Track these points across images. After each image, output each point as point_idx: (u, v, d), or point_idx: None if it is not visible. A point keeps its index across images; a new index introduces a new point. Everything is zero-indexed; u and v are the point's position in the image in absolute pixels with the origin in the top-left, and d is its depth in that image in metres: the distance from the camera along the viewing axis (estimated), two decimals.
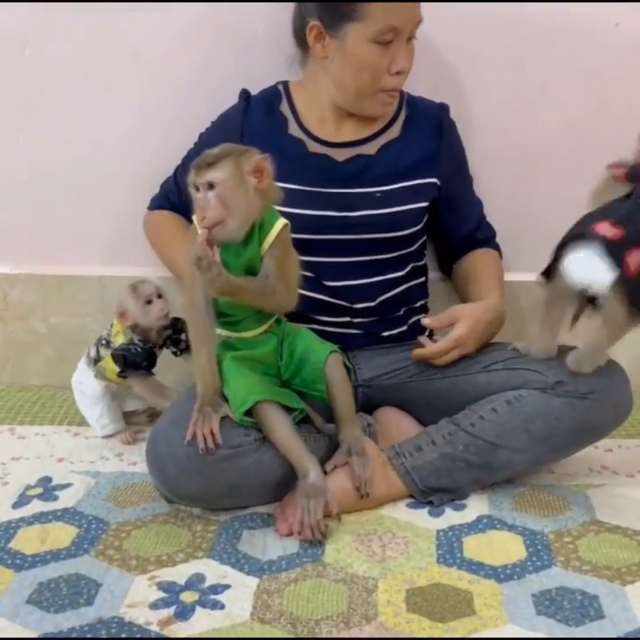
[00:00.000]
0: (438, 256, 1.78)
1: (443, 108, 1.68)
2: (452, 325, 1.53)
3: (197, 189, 1.32)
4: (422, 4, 1.51)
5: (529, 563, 1.28)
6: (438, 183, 1.63)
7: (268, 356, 1.43)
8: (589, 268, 1.31)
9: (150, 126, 1.79)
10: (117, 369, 1.58)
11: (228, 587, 1.22)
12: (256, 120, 1.62)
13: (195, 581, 1.23)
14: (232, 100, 1.66)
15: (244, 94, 1.66)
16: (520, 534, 1.35)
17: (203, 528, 1.36)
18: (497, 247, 1.74)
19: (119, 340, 1.59)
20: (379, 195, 1.58)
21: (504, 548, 1.32)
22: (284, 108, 1.63)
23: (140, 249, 1.79)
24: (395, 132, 1.63)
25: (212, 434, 1.33)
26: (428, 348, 1.54)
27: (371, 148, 1.61)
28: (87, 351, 1.65)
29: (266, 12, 1.70)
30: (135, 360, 1.57)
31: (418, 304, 1.70)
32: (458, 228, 1.71)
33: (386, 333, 1.64)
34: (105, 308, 1.86)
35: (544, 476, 1.53)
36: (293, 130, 1.61)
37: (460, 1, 1.70)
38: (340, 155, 1.60)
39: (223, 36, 1.74)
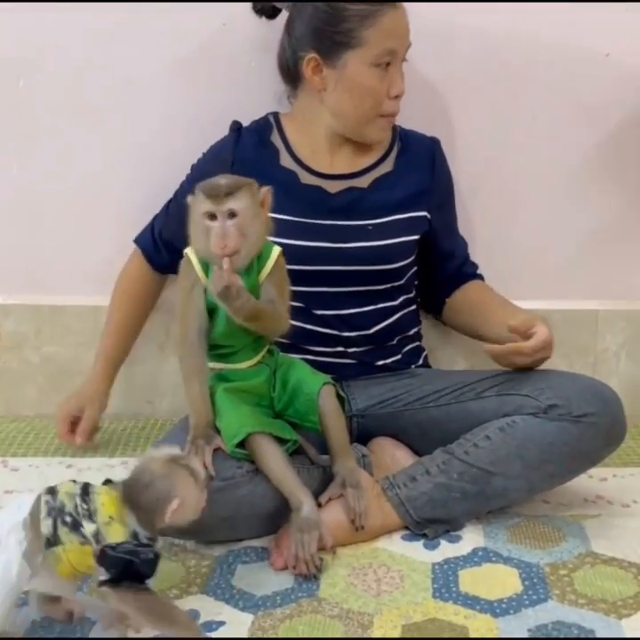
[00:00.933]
0: (424, 294, 1.75)
1: (434, 142, 1.69)
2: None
3: (213, 218, 1.32)
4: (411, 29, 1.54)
5: (525, 596, 1.27)
6: (429, 217, 1.64)
7: (260, 387, 1.43)
8: None
9: (144, 156, 1.80)
10: (103, 575, 1.08)
11: (222, 623, 1.21)
12: (247, 151, 1.63)
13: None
14: (223, 131, 1.67)
15: (235, 126, 1.67)
16: (516, 567, 1.34)
17: (197, 563, 1.35)
18: (483, 280, 1.75)
19: (114, 534, 1.08)
20: (371, 228, 1.58)
21: (500, 581, 1.31)
22: (276, 139, 1.64)
23: None
24: (388, 165, 1.64)
25: (205, 466, 1.32)
26: (522, 343, 1.46)
27: (363, 182, 1.62)
28: (25, 520, 1.08)
29: (258, 45, 1.71)
30: (143, 571, 1.10)
31: (411, 332, 1.70)
32: (447, 262, 1.71)
33: (380, 362, 1.65)
34: (99, 338, 1.86)
35: (539, 505, 1.52)
36: (285, 161, 1.62)
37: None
38: (333, 187, 1.61)
39: (214, 69, 1.76)
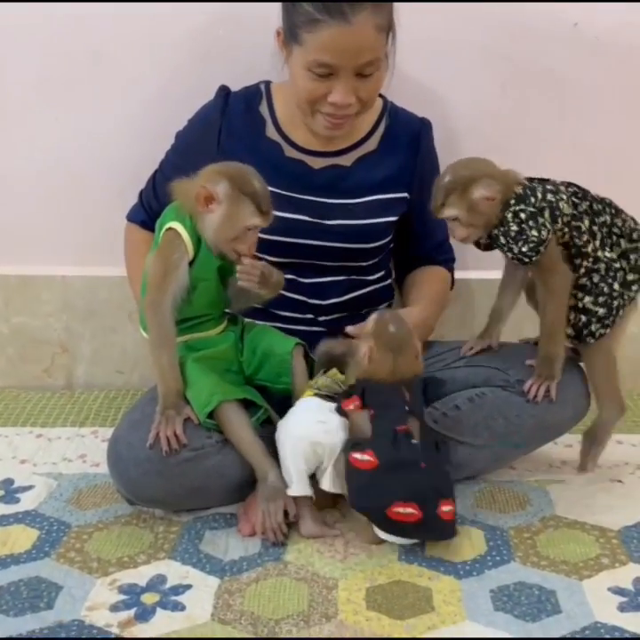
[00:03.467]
0: (395, 266, 1.76)
1: (423, 123, 1.66)
2: None
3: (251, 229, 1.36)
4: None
5: (488, 558, 1.30)
6: (408, 197, 1.63)
7: (228, 352, 1.45)
8: None
9: (114, 129, 1.78)
10: None
11: (189, 587, 1.23)
12: (235, 118, 1.60)
13: (156, 583, 1.24)
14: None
15: (223, 91, 1.63)
16: (481, 530, 1.37)
17: (165, 529, 1.37)
18: (451, 270, 1.73)
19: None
20: (351, 207, 1.58)
21: (465, 544, 1.33)
22: (263, 108, 1.62)
23: (104, 249, 1.79)
24: (372, 144, 1.62)
25: (176, 435, 1.33)
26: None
27: (347, 160, 1.61)
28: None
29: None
30: None
31: (382, 305, 1.71)
32: (418, 243, 1.70)
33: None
34: (67, 308, 1.86)
35: (505, 471, 1.55)
36: (271, 132, 1.60)
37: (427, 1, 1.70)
38: (316, 163, 1.60)
39: (207, 34, 1.73)
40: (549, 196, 1.39)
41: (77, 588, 1.22)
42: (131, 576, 1.25)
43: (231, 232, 1.35)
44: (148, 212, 1.67)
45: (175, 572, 1.26)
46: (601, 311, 1.44)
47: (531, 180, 1.42)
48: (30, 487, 1.48)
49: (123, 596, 1.21)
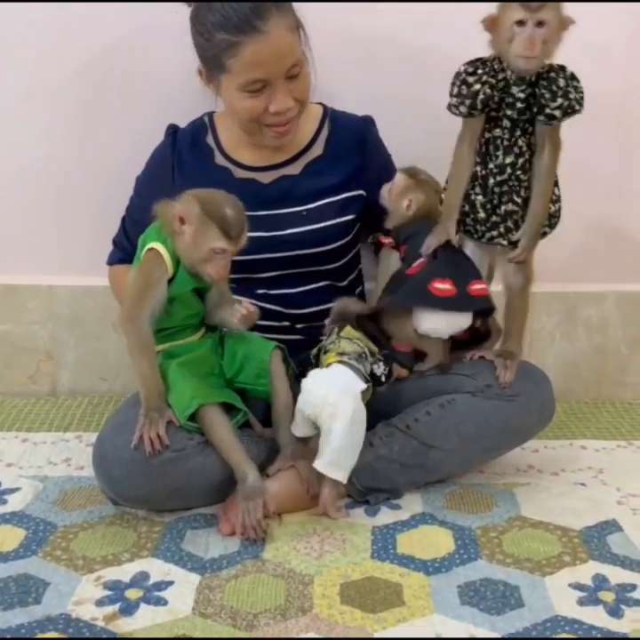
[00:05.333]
0: None
1: (365, 121, 1.73)
2: None
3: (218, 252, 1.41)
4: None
5: (457, 556, 1.36)
6: (365, 194, 1.69)
7: (209, 356, 1.51)
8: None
9: (98, 138, 1.83)
10: None
11: (171, 583, 1.28)
12: (184, 153, 1.68)
13: (139, 579, 1.29)
14: (181, 107, 1.70)
15: (171, 129, 1.71)
16: (450, 529, 1.43)
17: (148, 529, 1.42)
18: None
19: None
20: (304, 213, 1.64)
21: (434, 542, 1.40)
22: (209, 139, 1.69)
23: (89, 258, 1.84)
24: (317, 150, 1.68)
25: (159, 437, 1.38)
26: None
27: (295, 168, 1.67)
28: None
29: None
30: None
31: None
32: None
33: None
34: (54, 316, 1.90)
35: (475, 474, 1.61)
36: (219, 159, 1.67)
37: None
38: (266, 177, 1.66)
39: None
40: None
41: (64, 584, 1.27)
42: (115, 573, 1.30)
43: (198, 253, 1.41)
44: (124, 251, 1.72)
45: (158, 569, 1.32)
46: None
47: None
48: (17, 489, 1.53)
49: (107, 592, 1.26)
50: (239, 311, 1.47)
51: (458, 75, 1.46)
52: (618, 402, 1.96)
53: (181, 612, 1.22)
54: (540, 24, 1.36)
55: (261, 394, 1.51)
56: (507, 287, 1.55)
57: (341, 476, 1.43)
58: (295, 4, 1.55)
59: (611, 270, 1.96)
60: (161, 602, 1.24)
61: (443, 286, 1.49)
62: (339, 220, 1.66)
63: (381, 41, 1.79)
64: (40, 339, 1.91)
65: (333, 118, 1.71)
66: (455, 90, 1.45)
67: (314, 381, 1.46)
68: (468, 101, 1.43)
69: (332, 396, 1.42)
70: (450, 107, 1.46)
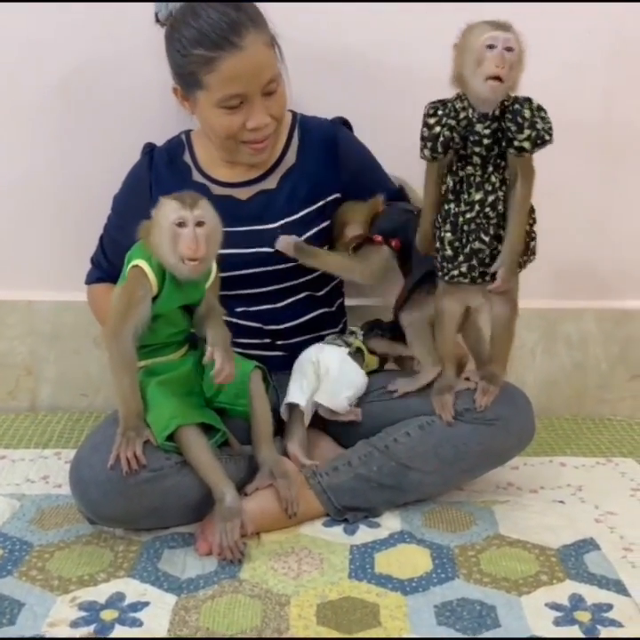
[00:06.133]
0: None
1: (334, 124, 1.72)
2: None
3: (181, 225, 1.38)
4: None
5: (434, 575, 1.36)
6: (340, 196, 1.68)
7: (189, 375, 1.51)
8: None
9: (76, 154, 1.83)
10: None
11: (146, 604, 1.27)
12: (161, 172, 1.68)
13: (115, 600, 1.28)
14: (163, 121, 1.71)
15: (148, 148, 1.71)
16: (428, 548, 1.43)
17: (125, 548, 1.41)
18: None
19: None
20: (281, 231, 1.63)
21: (412, 561, 1.40)
22: (186, 156, 1.69)
23: (69, 273, 1.82)
24: (291, 159, 1.68)
25: (136, 456, 1.37)
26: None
27: (271, 182, 1.67)
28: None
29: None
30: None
31: (338, 327, 1.77)
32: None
33: None
34: (33, 331, 1.90)
35: (454, 492, 1.61)
36: (196, 177, 1.67)
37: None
38: (243, 194, 1.66)
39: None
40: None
41: (39, 605, 1.26)
42: (90, 594, 1.29)
43: (165, 236, 1.39)
44: (102, 270, 1.72)
45: (134, 589, 1.31)
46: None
47: None
48: None
49: (82, 613, 1.25)
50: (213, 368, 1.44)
51: (423, 116, 1.45)
52: (598, 418, 1.97)
53: (156, 633, 1.21)
54: (508, 49, 1.37)
55: (241, 414, 1.51)
56: (493, 317, 1.53)
57: (342, 406, 1.57)
58: (268, 19, 1.55)
59: (590, 287, 1.97)
60: (136, 623, 1.23)
61: None
62: (316, 230, 1.66)
63: (357, 58, 1.80)
64: (19, 354, 1.90)
65: (303, 124, 1.71)
66: (421, 133, 1.44)
67: (303, 353, 1.63)
68: (429, 144, 1.43)
69: (319, 354, 1.61)
70: (420, 150, 1.45)
